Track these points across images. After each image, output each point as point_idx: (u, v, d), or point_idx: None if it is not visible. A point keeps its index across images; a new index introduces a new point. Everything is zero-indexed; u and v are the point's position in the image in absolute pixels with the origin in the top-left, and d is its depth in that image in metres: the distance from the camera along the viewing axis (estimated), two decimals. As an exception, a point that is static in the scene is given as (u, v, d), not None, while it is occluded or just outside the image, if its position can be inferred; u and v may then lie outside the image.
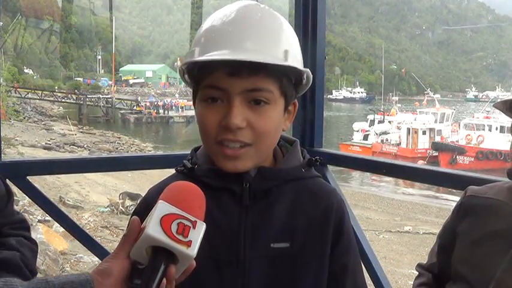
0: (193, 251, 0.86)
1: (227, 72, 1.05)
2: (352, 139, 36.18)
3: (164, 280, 0.85)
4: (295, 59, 1.12)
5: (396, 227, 15.05)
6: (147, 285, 0.83)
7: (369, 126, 36.46)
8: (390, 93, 78.54)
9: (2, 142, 2.36)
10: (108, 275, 0.85)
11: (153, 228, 0.85)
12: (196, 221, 0.87)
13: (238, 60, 1.03)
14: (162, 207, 0.87)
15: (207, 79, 1.09)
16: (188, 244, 0.85)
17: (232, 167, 1.11)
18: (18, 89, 43.45)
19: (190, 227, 0.86)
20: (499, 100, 1.38)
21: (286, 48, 1.09)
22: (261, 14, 1.12)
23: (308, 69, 1.15)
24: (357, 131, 36.58)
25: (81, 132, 33.45)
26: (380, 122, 36.53)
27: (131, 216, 1.08)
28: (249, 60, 1.02)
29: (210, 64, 1.06)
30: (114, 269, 0.86)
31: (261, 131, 1.09)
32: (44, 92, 48.07)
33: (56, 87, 55.71)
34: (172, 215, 0.87)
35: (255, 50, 1.05)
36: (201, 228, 0.88)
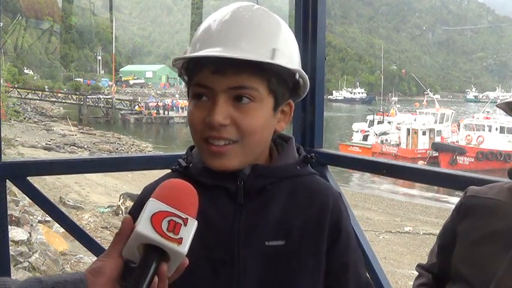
0: (184, 248, 0.85)
1: (212, 70, 1.07)
2: (352, 140, 36.18)
3: (156, 278, 0.85)
4: (286, 59, 1.11)
5: (396, 227, 15.05)
6: (138, 283, 0.83)
7: (368, 126, 36.45)
8: (390, 94, 78.55)
9: (2, 143, 2.36)
10: (101, 273, 0.85)
11: (143, 225, 0.85)
12: (187, 218, 0.87)
13: (224, 59, 1.04)
14: (152, 205, 0.87)
15: (195, 77, 1.11)
16: (179, 241, 0.85)
17: (218, 164, 1.11)
18: (18, 90, 43.48)
19: (181, 224, 0.86)
20: (502, 101, 1.38)
21: (274, 47, 1.09)
22: (251, 14, 1.12)
23: (301, 69, 1.15)
24: (357, 132, 36.58)
25: (82, 132, 33.47)
26: (379, 122, 36.52)
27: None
28: (228, 56, 1.04)
29: (199, 63, 1.09)
30: (107, 268, 0.86)
31: (245, 128, 1.09)
32: (44, 93, 48.12)
33: (46, 87, 55.24)
34: (163, 213, 0.86)
35: (242, 48, 1.06)
36: (193, 225, 0.87)
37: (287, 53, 1.12)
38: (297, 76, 1.14)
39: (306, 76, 1.16)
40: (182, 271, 0.89)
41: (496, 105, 1.46)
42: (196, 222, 0.88)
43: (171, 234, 0.85)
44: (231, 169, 1.12)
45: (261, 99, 1.10)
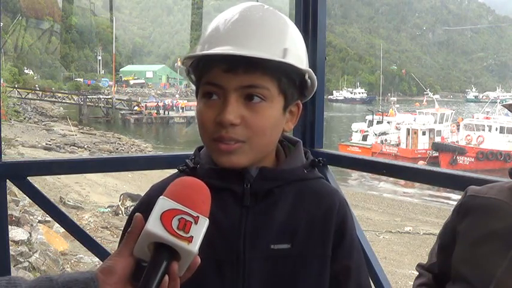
0: (195, 247, 0.84)
1: (223, 68, 1.06)
2: (351, 140, 36.12)
3: (167, 277, 0.84)
4: (296, 59, 1.12)
5: (396, 227, 15.04)
6: (148, 282, 0.82)
7: (368, 126, 36.37)
8: (389, 94, 78.48)
9: (2, 143, 2.36)
10: (112, 273, 0.85)
11: (153, 224, 0.84)
12: (198, 217, 0.86)
13: (235, 57, 1.04)
14: (163, 203, 0.86)
15: (206, 76, 1.10)
16: (189, 240, 0.84)
17: (227, 161, 1.10)
18: (18, 90, 43.48)
19: (192, 223, 0.85)
20: (506, 102, 1.39)
21: (285, 47, 1.10)
22: (262, 14, 1.13)
23: (310, 70, 1.15)
24: (356, 132, 36.51)
25: (82, 132, 33.45)
26: (379, 122, 36.44)
27: (131, 213, 1.08)
28: (242, 54, 1.03)
29: (210, 61, 1.08)
30: (118, 267, 0.85)
31: (255, 128, 1.09)
32: (45, 93, 48.13)
33: (37, 85, 54.54)
34: (174, 211, 0.85)
35: (253, 47, 1.06)
36: (204, 223, 0.86)
37: (297, 53, 1.13)
38: (306, 77, 1.15)
39: (315, 77, 1.16)
40: (194, 270, 0.89)
41: (502, 105, 1.47)
42: (207, 221, 0.87)
43: (181, 233, 0.84)
44: (239, 166, 1.11)
45: (271, 99, 1.10)
